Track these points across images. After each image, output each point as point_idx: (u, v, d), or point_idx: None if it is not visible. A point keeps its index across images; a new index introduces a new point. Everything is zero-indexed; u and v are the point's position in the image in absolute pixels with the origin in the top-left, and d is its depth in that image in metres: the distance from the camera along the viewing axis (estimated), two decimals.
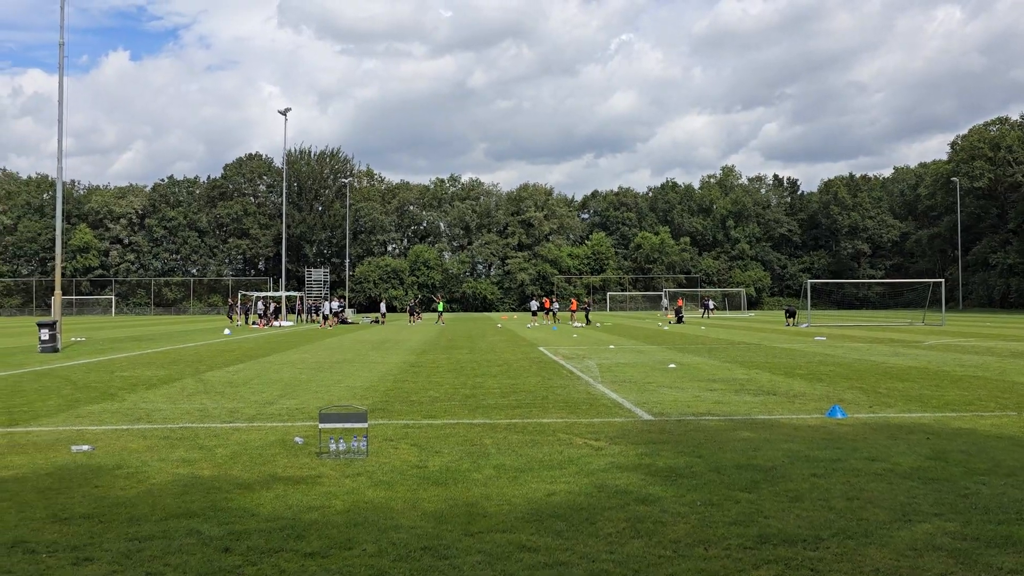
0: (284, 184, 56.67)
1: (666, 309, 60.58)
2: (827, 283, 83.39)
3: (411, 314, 47.11)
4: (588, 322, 40.82)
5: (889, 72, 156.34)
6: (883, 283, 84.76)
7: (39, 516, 5.25)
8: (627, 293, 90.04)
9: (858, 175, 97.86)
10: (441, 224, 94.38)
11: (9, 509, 5.43)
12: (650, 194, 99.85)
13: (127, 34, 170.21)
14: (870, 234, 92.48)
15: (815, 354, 19.19)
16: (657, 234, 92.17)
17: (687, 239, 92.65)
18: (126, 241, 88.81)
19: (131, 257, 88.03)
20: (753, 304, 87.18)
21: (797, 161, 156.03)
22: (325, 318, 41.15)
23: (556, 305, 47.39)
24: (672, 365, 16.12)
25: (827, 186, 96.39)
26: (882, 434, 8.14)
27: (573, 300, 50.08)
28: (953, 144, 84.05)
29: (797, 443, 7.63)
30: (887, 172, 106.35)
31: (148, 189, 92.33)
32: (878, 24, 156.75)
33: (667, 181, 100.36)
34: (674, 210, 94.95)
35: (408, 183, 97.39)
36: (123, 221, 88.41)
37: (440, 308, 47.26)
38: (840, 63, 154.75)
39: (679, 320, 42.81)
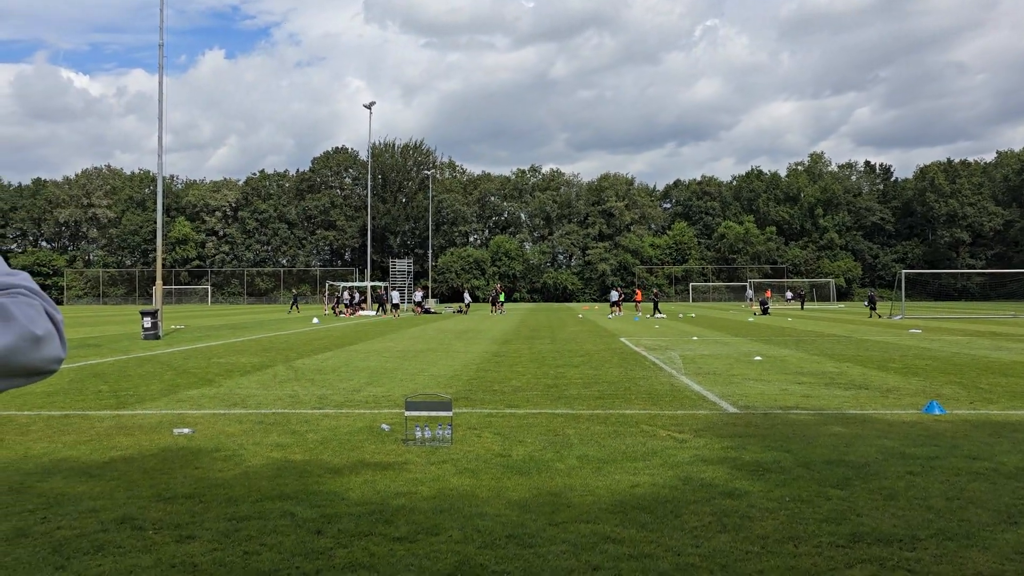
0: (369, 177, 57.83)
1: (751, 300, 59.20)
2: (922, 273, 79.79)
3: (493, 304, 47.44)
4: (655, 313, 39.77)
5: (993, 52, 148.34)
6: (984, 273, 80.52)
7: (145, 495, 5.53)
8: (710, 284, 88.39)
9: (957, 160, 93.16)
10: (522, 215, 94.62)
11: (118, 488, 5.73)
12: (734, 183, 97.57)
13: (222, 33, 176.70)
14: (970, 222, 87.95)
15: (910, 347, 18.42)
16: (741, 223, 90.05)
17: (773, 228, 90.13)
18: (221, 233, 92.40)
19: (225, 248, 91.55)
20: (843, 295, 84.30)
21: (891, 147, 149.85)
22: (395, 307, 41.15)
23: (612, 297, 41.83)
24: (758, 357, 15.74)
25: (923, 172, 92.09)
26: (984, 431, 7.76)
27: (638, 290, 48.71)
28: None
29: (892, 439, 7.34)
30: (989, 157, 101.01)
31: (241, 183, 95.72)
32: (981, 1, 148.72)
33: (752, 169, 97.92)
34: (759, 199, 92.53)
35: (489, 174, 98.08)
36: (218, 214, 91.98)
37: (502, 299, 47.51)
38: (939, 43, 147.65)
39: (764, 312, 41.78)
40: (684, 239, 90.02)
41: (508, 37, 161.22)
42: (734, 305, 67.33)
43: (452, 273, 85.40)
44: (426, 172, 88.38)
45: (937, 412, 8.83)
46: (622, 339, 21.64)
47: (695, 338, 22.06)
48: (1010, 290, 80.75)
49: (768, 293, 48.66)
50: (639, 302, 45.17)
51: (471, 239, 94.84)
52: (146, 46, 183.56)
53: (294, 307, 50.12)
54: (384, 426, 7.98)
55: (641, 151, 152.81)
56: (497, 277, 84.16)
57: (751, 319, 35.63)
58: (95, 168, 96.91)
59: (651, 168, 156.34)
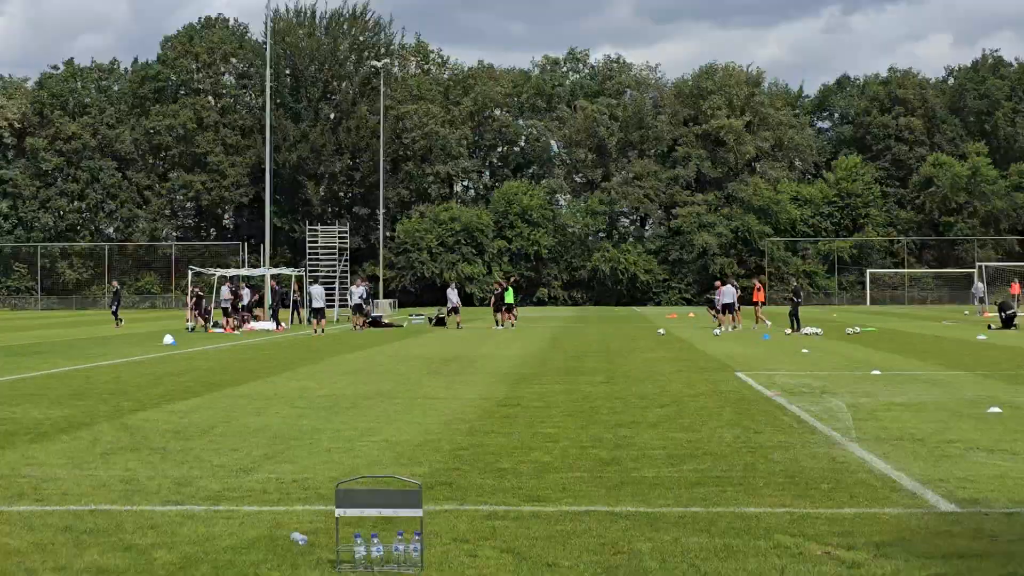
0: (268, 72, 58.03)
1: (981, 299, 59.10)
2: None
3: (497, 308, 47.46)
4: (795, 326, 39.60)
5: None
6: None
7: None
8: (905, 270, 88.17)
9: None
10: (553, 143, 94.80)
11: None
12: (951, 81, 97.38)
13: None
14: None
15: None
16: (965, 157, 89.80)
17: None
18: None
19: (4, 206, 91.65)
20: None
21: None
22: (317, 313, 41.74)
23: (724, 296, 42.96)
24: (995, 408, 15.72)
25: None
26: None
27: (758, 285, 48.37)
28: None
29: None
30: None
31: (30, 86, 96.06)
32: None
33: (985, 54, 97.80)
34: (999, 111, 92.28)
35: (491, 66, 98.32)
36: None
37: (509, 299, 46.55)
38: None
39: (1009, 322, 41.61)
40: (856, 188, 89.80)
41: None
42: (952, 309, 67.17)
43: (423, 251, 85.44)
44: (374, 63, 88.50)
45: None
46: (739, 374, 21.66)
47: (876, 372, 22.04)
48: None
49: (1015, 287, 48.53)
50: (760, 304, 45.05)
51: (458, 188, 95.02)
52: None
53: (115, 314, 49.92)
54: (297, 536, 8.01)
55: (775, 22, 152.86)
56: (506, 259, 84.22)
57: (983, 336, 35.48)
58: None
59: (794, 55, 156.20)
